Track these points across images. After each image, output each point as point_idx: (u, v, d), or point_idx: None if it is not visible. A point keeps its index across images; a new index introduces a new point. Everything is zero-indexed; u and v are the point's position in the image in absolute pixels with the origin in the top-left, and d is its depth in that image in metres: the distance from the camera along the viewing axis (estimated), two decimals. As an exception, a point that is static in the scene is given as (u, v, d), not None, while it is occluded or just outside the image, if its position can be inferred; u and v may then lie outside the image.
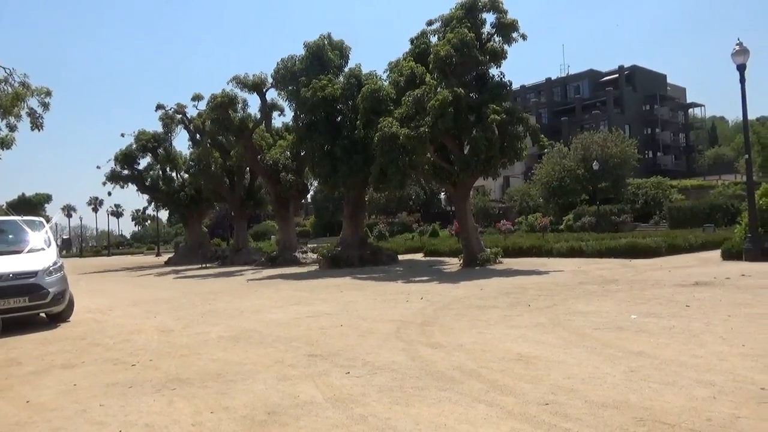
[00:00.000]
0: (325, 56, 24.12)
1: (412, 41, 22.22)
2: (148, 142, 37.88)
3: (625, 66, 69.64)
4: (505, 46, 20.06)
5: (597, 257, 19.90)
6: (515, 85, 25.27)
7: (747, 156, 17.65)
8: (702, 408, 4.27)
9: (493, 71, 20.46)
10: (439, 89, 19.16)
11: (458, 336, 7.54)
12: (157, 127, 39.43)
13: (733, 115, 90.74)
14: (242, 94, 28.05)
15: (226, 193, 33.95)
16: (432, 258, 26.20)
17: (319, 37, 24.48)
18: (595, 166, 36.04)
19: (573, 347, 6.51)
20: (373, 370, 5.95)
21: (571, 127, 62.49)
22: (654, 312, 8.54)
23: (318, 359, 6.64)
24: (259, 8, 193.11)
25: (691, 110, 79.23)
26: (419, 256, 27.83)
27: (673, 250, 20.01)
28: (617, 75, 69.64)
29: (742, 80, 16.48)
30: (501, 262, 20.03)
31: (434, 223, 43.59)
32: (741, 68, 16.39)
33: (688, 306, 8.92)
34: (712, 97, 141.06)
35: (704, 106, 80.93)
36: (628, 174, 40.97)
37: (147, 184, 39.42)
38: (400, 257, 26.76)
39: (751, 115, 55.82)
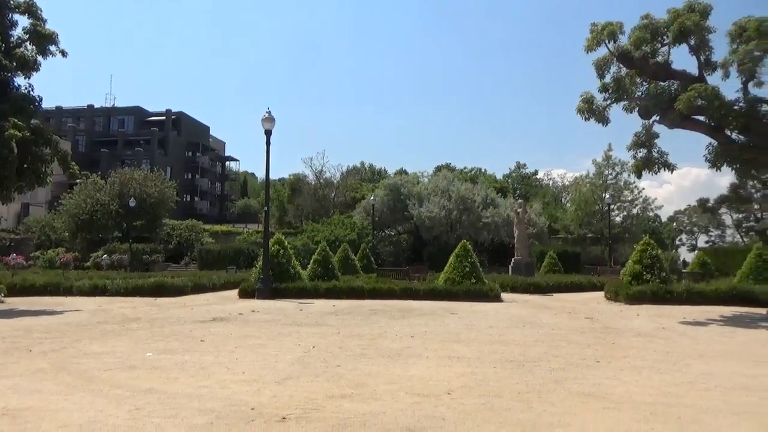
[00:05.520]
0: None
1: None
2: None
3: (173, 111, 71.96)
4: (40, 57, 17.82)
5: (123, 296, 19.12)
6: (50, 104, 22.83)
7: (266, 208, 20.42)
8: (198, 436, 4.45)
9: (21, 81, 17.86)
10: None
11: None
12: None
13: (261, 173, 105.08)
14: None
15: None
16: None
17: None
18: (132, 203, 35.33)
19: (77, 392, 5.88)
20: None
21: (111, 161, 59.77)
22: (170, 348, 8.64)
23: None
24: None
25: (228, 163, 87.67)
26: None
27: (199, 289, 21.05)
28: (164, 117, 71.16)
29: (268, 143, 19.23)
30: (3, 302, 16.95)
31: None
32: (268, 133, 19.10)
33: (203, 341, 9.40)
34: (247, 154, 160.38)
35: (239, 161, 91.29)
36: (165, 215, 41.63)
37: None
38: None
39: (275, 175, 65.88)
